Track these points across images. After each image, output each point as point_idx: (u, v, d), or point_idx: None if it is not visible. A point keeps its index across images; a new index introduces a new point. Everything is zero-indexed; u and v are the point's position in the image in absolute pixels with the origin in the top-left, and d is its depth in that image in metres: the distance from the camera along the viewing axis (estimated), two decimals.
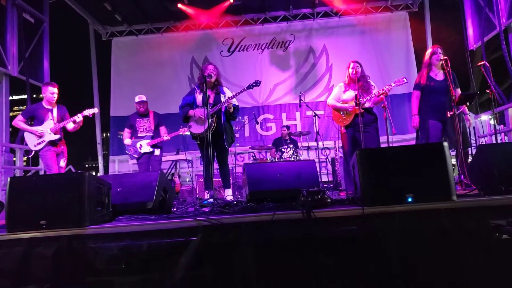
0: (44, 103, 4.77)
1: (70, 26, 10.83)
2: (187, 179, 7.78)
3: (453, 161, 3.96)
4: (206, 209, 2.99)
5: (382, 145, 4.35)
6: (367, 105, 4.29)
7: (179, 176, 7.56)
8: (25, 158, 6.44)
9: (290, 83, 8.79)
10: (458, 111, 3.84)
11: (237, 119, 5.89)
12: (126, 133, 5.50)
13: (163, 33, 9.05)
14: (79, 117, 4.72)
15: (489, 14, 6.14)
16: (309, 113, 7.92)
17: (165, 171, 6.88)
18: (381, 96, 4.16)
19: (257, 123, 7.83)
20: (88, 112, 4.81)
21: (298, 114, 8.66)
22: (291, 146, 6.26)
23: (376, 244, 2.19)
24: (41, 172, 6.33)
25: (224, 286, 2.18)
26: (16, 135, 6.34)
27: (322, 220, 2.25)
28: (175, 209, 3.45)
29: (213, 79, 4.29)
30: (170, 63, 8.94)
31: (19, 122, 4.73)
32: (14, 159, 6.34)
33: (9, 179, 2.45)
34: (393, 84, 4.18)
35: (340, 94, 4.49)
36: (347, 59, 4.83)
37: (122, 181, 3.05)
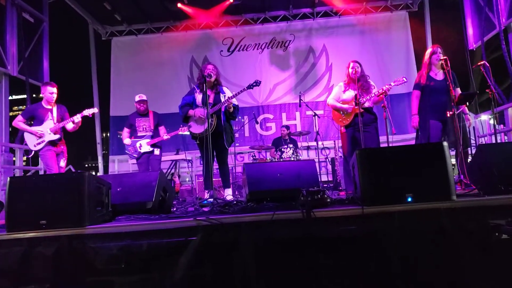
0: (43, 103, 4.77)
1: (69, 26, 10.86)
2: (187, 179, 7.79)
3: (453, 160, 3.96)
4: (206, 209, 2.99)
5: (382, 145, 4.34)
6: (366, 104, 4.29)
7: (179, 176, 7.57)
8: (24, 158, 6.44)
9: (290, 83, 8.79)
10: (458, 111, 3.84)
11: (237, 119, 5.90)
12: (125, 132, 5.50)
13: (163, 33, 9.05)
14: (78, 118, 4.72)
15: (489, 14, 6.14)
16: (309, 113, 7.90)
17: (164, 171, 6.88)
18: (381, 95, 4.16)
19: (257, 123, 7.83)
20: (87, 112, 4.81)
21: (298, 114, 8.66)
22: (291, 146, 6.25)
23: (376, 244, 2.19)
24: (41, 172, 6.33)
25: (224, 286, 2.18)
26: (15, 135, 6.33)
27: (322, 220, 2.25)
28: (174, 209, 3.45)
29: (212, 79, 4.29)
30: (170, 62, 8.93)
31: (19, 122, 4.73)
32: (14, 159, 6.34)
33: (8, 179, 2.45)
34: (392, 84, 4.18)
35: (340, 94, 4.49)
36: (347, 59, 4.83)
37: (122, 181, 3.05)
